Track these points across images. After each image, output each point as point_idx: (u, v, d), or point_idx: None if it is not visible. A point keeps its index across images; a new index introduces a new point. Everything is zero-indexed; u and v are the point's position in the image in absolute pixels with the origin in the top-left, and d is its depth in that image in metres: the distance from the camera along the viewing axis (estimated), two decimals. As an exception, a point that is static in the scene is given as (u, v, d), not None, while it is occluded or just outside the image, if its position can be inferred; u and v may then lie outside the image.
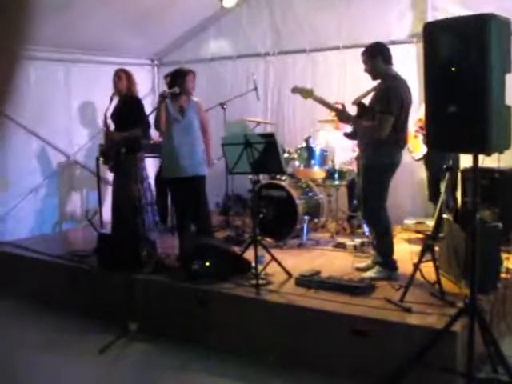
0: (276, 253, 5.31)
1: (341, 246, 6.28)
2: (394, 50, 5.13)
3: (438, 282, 4.38)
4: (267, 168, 5.36)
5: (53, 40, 6.72)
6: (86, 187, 8.27)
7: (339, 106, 5.33)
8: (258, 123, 7.57)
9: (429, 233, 4.99)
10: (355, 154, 6.60)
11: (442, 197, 4.74)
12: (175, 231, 6.57)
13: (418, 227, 6.73)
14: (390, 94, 4.81)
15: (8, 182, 7.14)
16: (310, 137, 6.78)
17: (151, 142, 7.28)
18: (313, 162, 6.71)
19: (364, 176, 5.06)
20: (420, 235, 6.38)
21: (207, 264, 5.04)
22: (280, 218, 6.45)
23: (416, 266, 4.40)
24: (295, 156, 6.78)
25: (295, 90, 5.48)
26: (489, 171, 5.66)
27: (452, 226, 4.80)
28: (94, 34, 7.34)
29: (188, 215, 6.05)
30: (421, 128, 6.10)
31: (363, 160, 5.09)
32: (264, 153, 4.92)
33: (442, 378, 3.63)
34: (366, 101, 5.15)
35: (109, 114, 6.26)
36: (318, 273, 5.03)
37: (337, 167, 6.72)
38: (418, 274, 4.45)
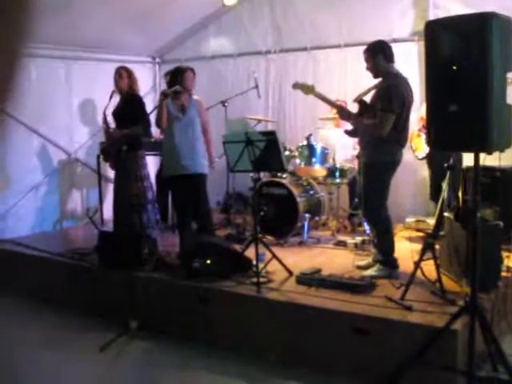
0: (277, 251, 5.30)
1: (342, 244, 6.28)
2: (395, 48, 5.12)
3: (439, 280, 4.38)
4: (268, 166, 5.36)
5: (54, 38, 6.72)
6: (87, 185, 8.27)
7: (341, 104, 5.33)
8: (259, 121, 7.58)
9: (429, 231, 4.99)
10: (356, 152, 6.60)
11: (443, 195, 4.74)
12: (176, 229, 6.57)
13: (418, 225, 6.73)
14: (392, 92, 4.80)
15: (9, 179, 7.14)
16: (310, 135, 6.79)
17: (152, 139, 7.28)
18: (314, 159, 6.72)
19: (365, 174, 5.06)
20: (421, 233, 6.39)
21: (208, 262, 5.04)
22: (281, 216, 6.46)
23: (417, 265, 4.40)
24: (296, 154, 6.79)
25: (296, 85, 5.48)
26: (490, 170, 5.66)
27: (453, 224, 4.80)
28: (94, 31, 7.33)
29: (188, 213, 6.05)
30: (424, 127, 6.09)
31: (364, 158, 5.09)
32: (265, 151, 4.91)
33: (443, 376, 3.63)
34: (367, 99, 5.14)
35: (108, 111, 6.25)
36: (318, 271, 5.03)
37: (338, 165, 6.73)
38: (418, 273, 4.45)
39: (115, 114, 6.23)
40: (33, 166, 7.62)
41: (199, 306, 4.80)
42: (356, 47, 7.02)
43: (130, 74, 6.19)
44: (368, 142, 5.01)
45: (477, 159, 3.43)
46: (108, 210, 7.03)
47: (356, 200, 6.75)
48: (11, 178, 7.20)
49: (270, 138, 4.93)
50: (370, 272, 4.98)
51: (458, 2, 6.61)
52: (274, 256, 5.11)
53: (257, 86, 7.58)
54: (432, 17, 6.69)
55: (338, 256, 5.87)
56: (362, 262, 5.31)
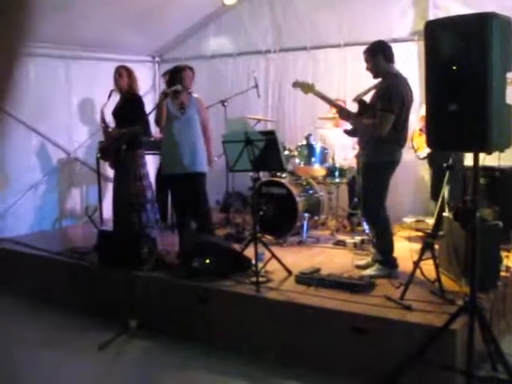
0: (276, 250, 5.31)
1: (341, 244, 6.29)
2: (395, 48, 5.12)
3: (438, 280, 4.38)
4: (267, 165, 5.37)
5: (53, 37, 6.71)
6: (86, 184, 8.27)
7: (340, 103, 5.33)
8: (259, 121, 7.58)
9: (429, 231, 4.99)
10: (355, 152, 6.60)
11: (442, 195, 4.74)
12: (175, 228, 6.57)
13: (418, 225, 6.73)
14: (391, 93, 4.80)
15: (8, 178, 7.13)
16: (310, 134, 6.79)
17: (152, 139, 7.27)
18: (313, 159, 6.72)
19: (364, 174, 5.06)
20: (420, 233, 6.39)
21: (207, 261, 5.04)
22: (280, 216, 6.46)
23: (416, 264, 4.40)
24: (295, 153, 6.79)
25: (296, 84, 5.48)
26: (489, 170, 5.66)
27: (452, 224, 4.80)
28: (94, 30, 7.33)
29: (188, 212, 6.05)
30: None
31: (363, 158, 5.09)
32: (264, 150, 4.91)
33: (442, 375, 3.64)
34: (367, 98, 5.14)
35: (106, 110, 6.25)
36: (317, 270, 5.04)
37: (337, 165, 6.73)
38: (418, 272, 4.45)
39: (115, 113, 6.24)
40: (32, 165, 7.61)
41: (198, 305, 4.81)
42: (356, 47, 7.02)
43: (129, 73, 6.19)
44: (367, 142, 5.01)
45: (476, 159, 3.44)
46: (107, 209, 7.03)
47: (355, 200, 6.75)
48: (10, 176, 7.20)
49: (270, 137, 4.93)
50: (370, 271, 4.99)
51: (458, 1, 6.61)
52: (274, 255, 5.11)
53: (256, 86, 7.58)
54: (432, 17, 6.69)
55: (337, 255, 5.87)
56: (362, 262, 5.31)
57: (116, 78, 6.14)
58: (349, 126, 5.76)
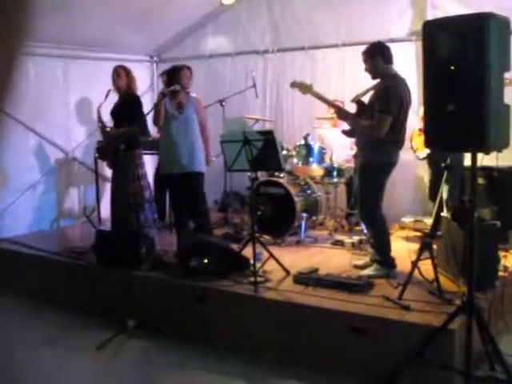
0: (274, 250, 5.31)
1: (339, 244, 6.29)
2: (393, 48, 5.12)
3: (436, 279, 4.39)
4: (266, 165, 5.37)
5: (52, 36, 6.71)
6: (84, 184, 8.26)
7: (339, 104, 5.33)
8: (257, 120, 7.58)
9: (427, 231, 5.00)
10: (353, 152, 6.61)
11: (440, 195, 4.75)
12: (173, 228, 6.57)
13: (416, 225, 6.74)
14: (390, 94, 4.81)
15: (7, 178, 7.13)
16: (308, 134, 6.79)
17: (150, 138, 7.27)
18: (311, 159, 6.72)
19: (361, 175, 5.07)
20: (418, 233, 6.39)
21: (205, 261, 5.04)
22: (278, 216, 6.46)
23: (414, 264, 4.40)
24: (293, 153, 6.79)
25: (294, 84, 5.48)
26: (487, 170, 5.67)
27: (450, 224, 4.81)
28: (93, 30, 7.33)
29: (186, 212, 6.05)
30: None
31: (361, 158, 5.10)
32: (263, 150, 4.92)
33: (440, 375, 3.64)
34: (365, 99, 5.15)
35: (103, 109, 6.25)
36: (316, 270, 5.04)
37: (335, 165, 6.73)
38: (416, 272, 4.45)
39: (113, 113, 6.24)
40: (30, 165, 7.61)
41: (197, 305, 4.81)
42: (354, 47, 7.04)
43: (128, 72, 6.19)
44: (365, 143, 5.01)
45: (474, 159, 3.44)
46: (105, 209, 7.03)
47: (353, 200, 6.75)
48: (8, 176, 7.19)
49: (268, 137, 4.93)
50: (368, 271, 4.99)
51: (456, 2, 6.62)
52: (272, 255, 5.11)
53: (254, 86, 7.58)
54: (430, 17, 6.70)
55: (335, 255, 5.88)
56: (360, 262, 5.32)
57: (114, 79, 6.15)
58: (347, 127, 5.76)
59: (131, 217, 6.07)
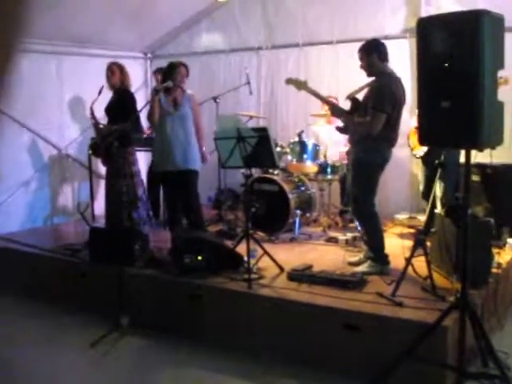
0: (268, 247, 5.31)
1: (333, 241, 6.30)
2: (387, 45, 5.11)
3: (430, 276, 4.40)
4: (260, 162, 5.36)
5: (45, 33, 6.68)
6: (78, 181, 8.24)
7: (333, 100, 5.33)
8: (251, 117, 7.57)
9: (421, 228, 5.00)
10: (347, 149, 6.62)
11: (434, 192, 4.76)
12: (167, 225, 6.56)
13: (410, 222, 6.75)
14: (384, 92, 4.81)
15: (0, 174, 7.09)
16: (302, 131, 6.79)
17: (144, 136, 7.26)
18: (305, 156, 6.72)
19: (354, 171, 5.08)
20: (412, 230, 6.41)
21: (199, 258, 5.03)
22: (272, 212, 6.46)
23: (408, 261, 4.41)
24: (288, 150, 6.80)
25: (289, 81, 5.49)
26: (481, 167, 5.68)
27: (444, 220, 4.82)
28: (87, 27, 7.31)
29: (179, 209, 6.04)
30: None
31: (354, 155, 5.11)
32: (257, 147, 4.91)
33: (434, 371, 3.65)
34: (360, 96, 5.15)
35: (96, 106, 6.24)
36: (310, 267, 5.05)
37: (329, 162, 6.74)
38: (409, 269, 4.46)
39: (107, 109, 6.22)
40: (23, 162, 7.57)
41: (190, 302, 4.80)
42: (348, 44, 7.05)
43: (121, 69, 6.19)
44: (358, 140, 5.02)
45: (468, 156, 3.45)
46: (99, 206, 7.01)
47: (346, 197, 6.76)
48: (1, 173, 7.16)
49: (262, 134, 4.92)
50: (362, 268, 5.00)
51: (450, -1, 6.62)
52: (266, 252, 5.12)
53: (249, 83, 7.58)
54: (424, 14, 6.69)
55: (329, 252, 5.88)
56: (354, 259, 5.33)
57: (108, 76, 6.14)
58: (341, 123, 5.76)
59: (124, 214, 6.05)
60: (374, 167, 4.96)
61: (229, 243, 5.49)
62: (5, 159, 7.10)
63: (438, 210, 5.40)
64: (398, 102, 4.87)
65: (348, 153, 6.38)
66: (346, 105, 5.33)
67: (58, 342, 4.80)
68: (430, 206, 4.81)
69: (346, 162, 6.65)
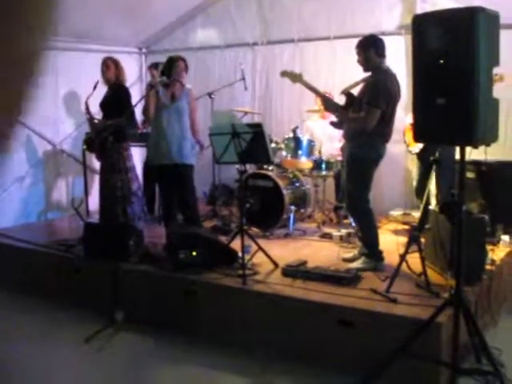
0: (262, 243, 5.32)
1: (327, 237, 6.30)
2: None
3: (424, 273, 4.41)
4: (254, 158, 5.36)
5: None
6: (72, 176, 8.22)
7: (328, 95, 5.33)
8: (246, 113, 7.57)
9: (415, 224, 5.01)
10: (341, 145, 6.61)
11: (428, 188, 4.76)
12: (162, 221, 6.56)
13: (404, 218, 6.76)
14: (379, 88, 4.81)
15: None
16: (297, 127, 6.79)
17: (138, 131, 7.24)
18: (300, 152, 6.72)
19: (348, 167, 5.08)
20: (406, 226, 6.42)
21: (194, 254, 5.03)
22: (267, 208, 6.46)
23: (402, 257, 4.42)
24: (282, 146, 6.79)
25: (284, 73, 5.50)
26: (476, 164, 5.69)
27: (438, 217, 4.83)
28: (82, 22, 7.26)
29: (175, 205, 6.04)
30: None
31: (348, 151, 5.11)
32: (251, 143, 4.91)
33: (427, 368, 3.66)
34: (355, 92, 5.15)
35: (91, 101, 6.22)
36: (304, 263, 5.05)
37: (324, 157, 6.74)
38: (404, 265, 4.47)
39: (102, 104, 6.21)
40: (18, 157, 7.53)
41: (185, 297, 4.81)
42: (344, 40, 7.04)
43: (116, 64, 6.18)
44: (353, 136, 5.02)
45: (462, 153, 3.45)
46: (94, 202, 6.99)
47: (341, 193, 6.76)
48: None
49: (257, 130, 4.92)
50: (356, 264, 5.00)
51: (446, -4, 6.62)
52: (260, 248, 5.12)
53: (244, 78, 7.57)
54: (419, 10, 6.69)
55: (323, 248, 5.89)
56: (348, 255, 5.33)
57: (103, 70, 6.12)
58: (335, 118, 5.76)
59: (119, 209, 6.04)
60: (368, 163, 4.97)
61: (223, 239, 5.49)
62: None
63: (433, 206, 5.41)
64: (392, 99, 4.87)
65: (342, 149, 6.38)
66: (340, 100, 5.33)
67: (53, 337, 4.79)
68: (424, 202, 4.81)
69: (340, 158, 6.65)
